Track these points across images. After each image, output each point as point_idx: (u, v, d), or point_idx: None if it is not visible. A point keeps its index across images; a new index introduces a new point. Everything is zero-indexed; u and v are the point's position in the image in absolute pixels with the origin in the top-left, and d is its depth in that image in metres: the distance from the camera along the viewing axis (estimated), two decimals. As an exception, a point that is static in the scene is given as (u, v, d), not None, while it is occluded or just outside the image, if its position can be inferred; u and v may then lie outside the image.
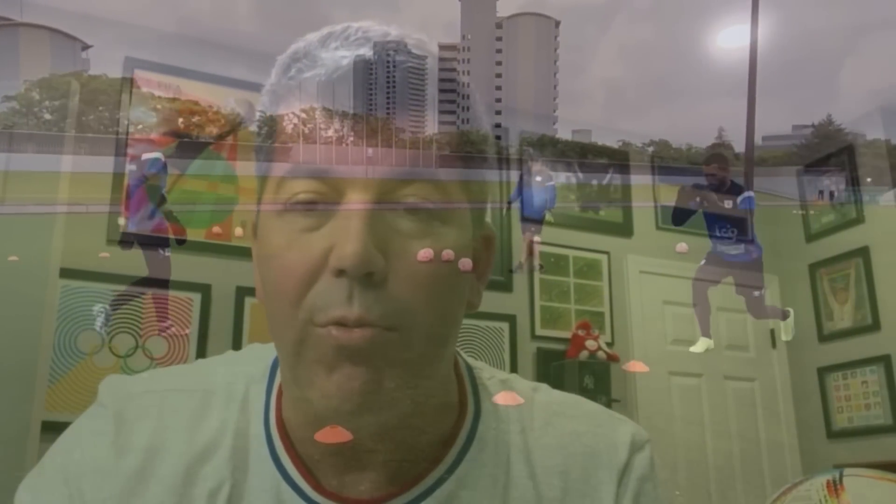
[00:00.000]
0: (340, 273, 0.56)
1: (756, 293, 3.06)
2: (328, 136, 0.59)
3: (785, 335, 3.37)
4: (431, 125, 0.61)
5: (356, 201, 0.58)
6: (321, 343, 0.57)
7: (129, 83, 2.76)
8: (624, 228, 3.67)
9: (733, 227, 2.90)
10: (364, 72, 0.60)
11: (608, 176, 3.70)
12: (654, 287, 3.58)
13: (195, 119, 2.71)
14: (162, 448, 0.65)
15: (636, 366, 3.29)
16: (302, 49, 0.62)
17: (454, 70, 0.64)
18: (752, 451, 3.57)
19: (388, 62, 0.60)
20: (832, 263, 3.60)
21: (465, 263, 0.62)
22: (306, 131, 0.59)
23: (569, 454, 0.69)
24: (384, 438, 0.61)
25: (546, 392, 0.74)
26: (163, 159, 2.38)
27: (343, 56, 0.60)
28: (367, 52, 0.60)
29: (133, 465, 0.64)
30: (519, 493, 0.67)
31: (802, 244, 3.73)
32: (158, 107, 2.77)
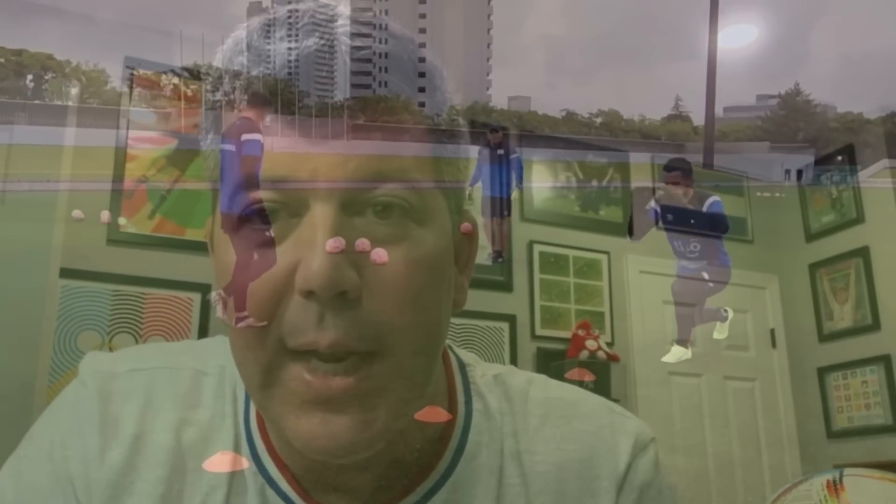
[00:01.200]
0: (309, 294, 0.50)
1: (720, 311, 2.89)
2: (282, 139, 0.52)
3: (718, 334, 3.24)
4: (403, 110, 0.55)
5: (320, 208, 0.51)
6: (293, 387, 0.51)
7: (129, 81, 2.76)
8: (624, 228, 3.67)
9: (696, 240, 2.66)
10: (316, 65, 0.53)
11: (608, 177, 3.69)
12: (654, 287, 3.58)
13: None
14: (151, 431, 0.60)
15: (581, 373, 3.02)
16: (244, 39, 0.56)
17: (370, 42, 0.58)
18: (752, 451, 3.57)
19: (342, 51, 0.54)
20: (832, 263, 3.60)
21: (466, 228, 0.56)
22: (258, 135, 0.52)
23: (565, 459, 0.64)
24: (370, 454, 0.56)
25: (542, 387, 0.69)
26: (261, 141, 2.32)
27: (291, 48, 0.54)
28: (315, 41, 0.54)
29: (120, 450, 0.59)
30: (513, 499, 0.63)
31: (802, 244, 3.73)
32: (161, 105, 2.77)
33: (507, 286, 3.34)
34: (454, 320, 0.61)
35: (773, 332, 3.73)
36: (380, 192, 0.52)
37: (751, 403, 3.67)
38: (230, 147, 0.54)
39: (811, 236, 3.72)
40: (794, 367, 3.71)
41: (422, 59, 0.57)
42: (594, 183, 3.61)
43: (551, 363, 3.33)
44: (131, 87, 2.75)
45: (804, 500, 0.70)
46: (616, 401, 0.71)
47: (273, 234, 0.52)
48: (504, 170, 2.80)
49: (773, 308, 3.75)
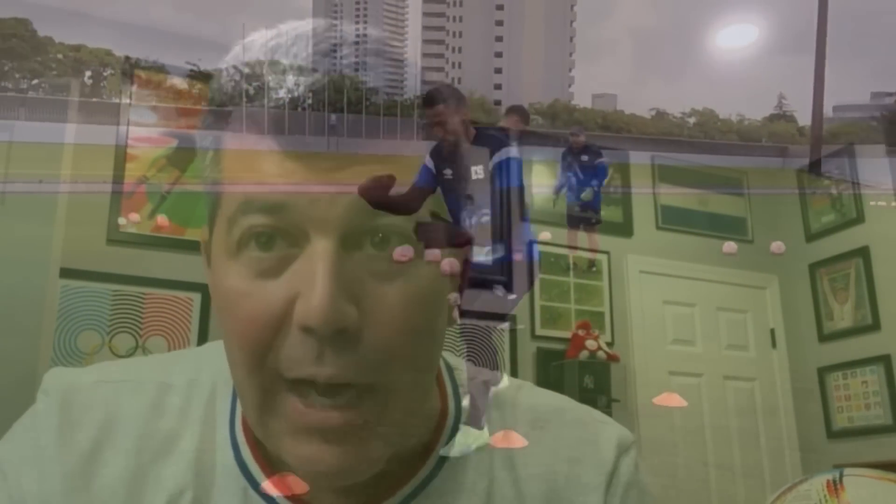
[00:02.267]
0: (308, 330, 0.50)
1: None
2: (282, 170, 0.51)
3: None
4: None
5: (320, 242, 0.50)
6: (290, 415, 0.52)
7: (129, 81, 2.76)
8: (624, 228, 3.67)
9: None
10: (317, 99, 0.53)
11: (609, 176, 3.69)
12: (654, 287, 3.58)
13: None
14: (111, 443, 0.60)
15: (671, 399, 2.97)
16: (248, 64, 0.56)
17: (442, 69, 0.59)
18: (752, 451, 3.57)
19: (345, 87, 0.53)
20: (832, 263, 3.60)
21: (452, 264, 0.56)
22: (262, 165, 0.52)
23: (554, 460, 0.66)
24: None
25: (529, 394, 0.71)
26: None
27: (294, 82, 0.54)
28: (319, 77, 0.54)
29: (77, 460, 0.59)
30: (502, 500, 0.64)
31: (802, 244, 3.73)
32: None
33: (506, 286, 3.34)
34: (454, 320, 0.62)
35: (773, 332, 3.73)
36: (379, 223, 0.52)
37: (751, 403, 3.67)
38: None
39: (811, 236, 3.72)
40: (794, 367, 3.71)
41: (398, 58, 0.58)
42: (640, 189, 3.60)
43: (551, 363, 3.33)
44: (131, 86, 2.75)
45: (804, 500, 0.70)
46: (616, 401, 0.73)
47: (272, 263, 0.52)
48: (591, 176, 2.54)
49: (773, 308, 3.75)
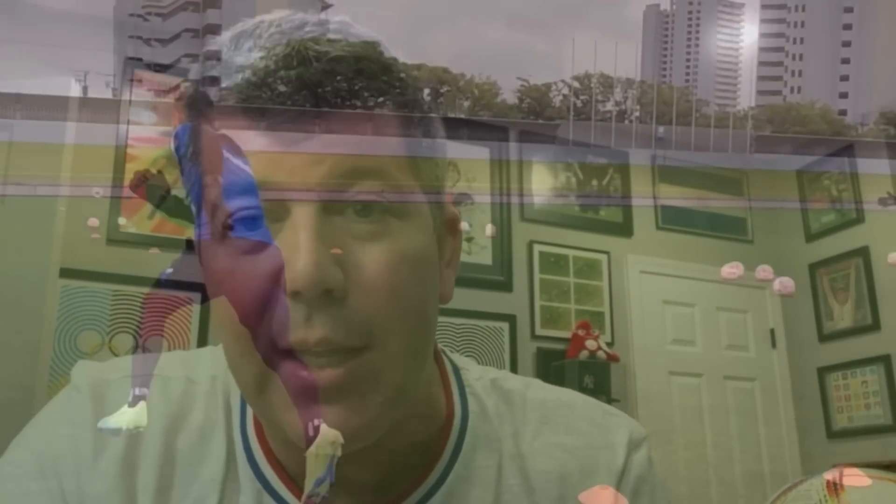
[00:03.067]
0: (295, 294, 0.51)
1: None
2: (257, 145, 0.52)
3: None
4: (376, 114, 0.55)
5: (300, 210, 0.52)
6: (287, 384, 0.53)
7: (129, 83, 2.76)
8: (624, 228, 3.67)
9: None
10: (284, 71, 0.53)
11: (608, 178, 3.70)
12: (654, 287, 3.58)
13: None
14: (143, 444, 0.60)
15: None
16: (214, 53, 0.56)
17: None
18: (752, 451, 3.57)
19: (310, 57, 0.53)
20: (832, 263, 3.60)
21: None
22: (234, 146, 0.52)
23: (565, 457, 0.66)
24: (367, 454, 0.56)
25: (538, 389, 0.70)
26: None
27: (258, 57, 0.54)
28: (282, 49, 0.53)
29: (112, 457, 0.60)
30: (513, 500, 0.64)
31: (802, 244, 3.73)
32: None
33: (507, 286, 3.34)
34: (454, 320, 0.62)
35: (772, 332, 3.73)
36: (358, 191, 0.53)
37: (751, 403, 3.67)
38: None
39: (811, 236, 3.72)
40: (794, 367, 3.71)
41: (212, 29, 0.57)
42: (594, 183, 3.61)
43: (551, 363, 3.33)
44: (131, 88, 2.76)
45: (804, 500, 0.70)
46: (616, 401, 0.73)
47: (257, 240, 0.53)
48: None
49: (773, 308, 3.75)
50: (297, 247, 0.51)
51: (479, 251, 3.28)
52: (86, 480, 0.59)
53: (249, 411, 0.62)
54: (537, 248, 3.43)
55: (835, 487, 0.69)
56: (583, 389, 3.13)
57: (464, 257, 0.66)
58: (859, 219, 3.53)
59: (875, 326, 3.44)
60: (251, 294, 0.53)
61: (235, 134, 0.53)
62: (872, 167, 3.59)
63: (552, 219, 3.54)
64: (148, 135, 2.70)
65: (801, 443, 3.61)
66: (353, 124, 0.55)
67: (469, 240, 3.15)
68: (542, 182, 3.61)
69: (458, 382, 0.67)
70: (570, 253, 3.51)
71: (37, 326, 2.55)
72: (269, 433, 0.61)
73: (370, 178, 0.54)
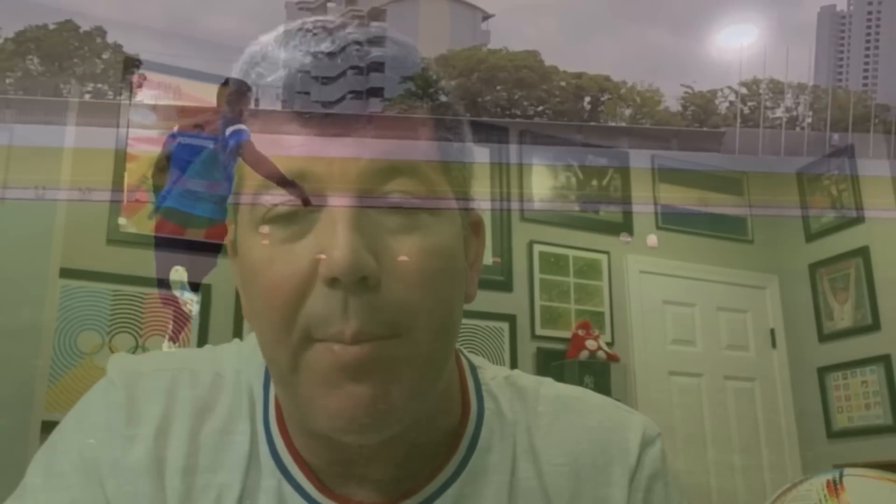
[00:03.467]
0: (333, 282, 0.53)
1: None
2: (297, 141, 0.55)
3: None
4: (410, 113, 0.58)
5: (340, 203, 0.54)
6: (320, 361, 0.54)
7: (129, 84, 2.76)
8: (624, 228, 3.67)
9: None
10: (330, 67, 0.55)
11: (608, 178, 3.70)
12: (654, 287, 3.58)
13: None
14: (172, 433, 0.63)
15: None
16: (258, 52, 0.58)
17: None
18: (752, 451, 3.57)
19: (353, 54, 0.56)
20: (832, 263, 3.60)
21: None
22: (277, 139, 0.55)
23: (578, 452, 0.67)
24: (387, 445, 0.59)
25: (551, 386, 0.72)
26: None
27: (305, 53, 0.56)
28: (327, 45, 0.56)
29: (146, 451, 0.62)
30: (526, 494, 0.65)
31: (802, 244, 3.73)
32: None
33: (507, 286, 3.34)
34: (456, 320, 0.63)
35: (772, 332, 3.73)
36: (393, 185, 0.55)
37: (751, 403, 3.68)
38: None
39: (811, 236, 3.72)
40: (794, 367, 3.71)
41: (376, 41, 0.59)
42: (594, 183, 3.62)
43: (551, 363, 3.33)
44: (131, 89, 2.75)
45: (804, 500, 0.70)
46: (616, 400, 0.74)
47: (295, 230, 0.55)
48: None
49: (773, 308, 3.75)
50: (335, 234, 0.53)
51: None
52: (121, 472, 0.61)
53: (272, 403, 0.64)
54: (537, 248, 3.43)
55: (835, 487, 0.69)
56: (583, 389, 3.13)
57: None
58: (859, 219, 3.53)
59: (875, 326, 3.44)
60: (290, 281, 0.54)
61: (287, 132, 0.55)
62: (872, 169, 3.59)
63: (552, 219, 3.54)
64: (147, 134, 2.70)
65: (801, 443, 3.61)
66: (394, 126, 0.57)
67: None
68: (543, 183, 3.61)
69: (474, 380, 0.69)
70: (570, 253, 3.51)
71: (37, 326, 2.55)
72: (290, 424, 0.63)
73: (404, 176, 0.56)
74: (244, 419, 0.64)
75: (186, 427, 0.63)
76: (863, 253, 3.48)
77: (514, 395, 0.69)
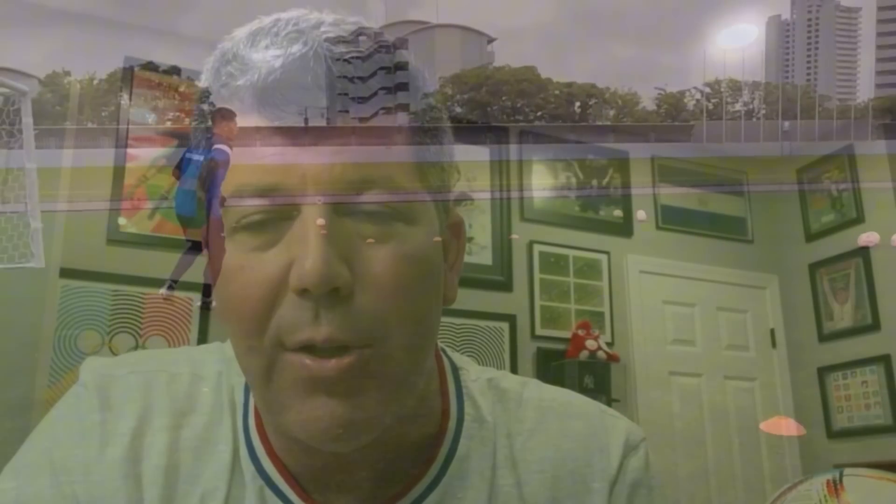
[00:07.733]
0: (303, 292, 0.52)
1: None
2: (271, 149, 0.54)
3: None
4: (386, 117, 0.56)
5: (310, 210, 0.53)
6: (292, 372, 0.53)
7: (128, 82, 2.76)
8: (624, 228, 3.67)
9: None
10: (301, 71, 0.54)
11: (608, 177, 3.70)
12: (654, 287, 3.58)
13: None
14: (148, 437, 0.61)
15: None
16: (230, 50, 0.56)
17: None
18: (752, 451, 3.57)
19: (326, 56, 0.54)
20: (832, 263, 3.60)
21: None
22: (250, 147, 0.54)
23: (559, 460, 0.66)
24: (365, 452, 0.57)
25: (535, 389, 0.70)
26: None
27: (275, 55, 0.54)
28: (299, 48, 0.54)
29: (120, 455, 0.61)
30: (505, 500, 0.64)
31: (802, 244, 3.73)
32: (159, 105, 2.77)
33: (507, 286, 3.34)
34: (454, 320, 0.62)
35: (772, 332, 3.73)
36: (365, 201, 0.54)
37: (751, 403, 3.68)
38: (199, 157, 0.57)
39: (811, 236, 3.72)
40: (794, 367, 3.71)
41: (402, 66, 0.58)
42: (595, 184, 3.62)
43: (551, 363, 3.33)
44: (131, 88, 2.76)
45: (804, 500, 0.70)
46: (616, 401, 0.73)
47: (267, 238, 0.54)
48: None
49: (773, 308, 3.75)
50: (306, 244, 0.52)
51: (479, 251, 3.28)
52: (94, 475, 0.60)
53: (251, 408, 0.63)
54: (537, 248, 3.43)
55: (835, 487, 0.69)
56: (583, 389, 3.13)
57: (464, 257, 0.66)
58: (859, 219, 3.53)
59: (875, 326, 3.44)
60: (260, 289, 0.53)
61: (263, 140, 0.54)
62: (872, 169, 3.59)
63: (552, 219, 3.55)
64: (147, 135, 2.70)
65: (801, 443, 3.61)
66: (369, 133, 0.56)
67: (469, 240, 3.15)
68: (542, 182, 3.61)
69: (455, 383, 0.67)
70: (570, 253, 3.51)
71: (37, 326, 2.55)
72: (269, 429, 0.62)
73: (378, 186, 0.55)
74: (225, 423, 0.62)
75: (164, 430, 0.62)
76: (863, 253, 3.48)
77: (495, 399, 0.68)
